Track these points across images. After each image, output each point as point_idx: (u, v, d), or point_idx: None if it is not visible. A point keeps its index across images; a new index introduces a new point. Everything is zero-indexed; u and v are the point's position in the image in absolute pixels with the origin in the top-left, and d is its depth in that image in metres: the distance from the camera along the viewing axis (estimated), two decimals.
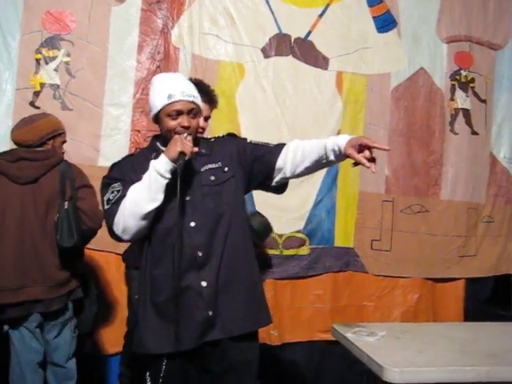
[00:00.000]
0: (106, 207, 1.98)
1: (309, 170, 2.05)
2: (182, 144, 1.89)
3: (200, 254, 1.95)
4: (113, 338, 3.39)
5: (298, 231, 3.65)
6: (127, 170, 2.01)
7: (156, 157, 1.94)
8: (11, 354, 2.71)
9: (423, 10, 3.88)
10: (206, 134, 2.70)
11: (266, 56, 3.66)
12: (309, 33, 3.72)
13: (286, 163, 2.01)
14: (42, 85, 3.37)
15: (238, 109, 3.62)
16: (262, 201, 3.40)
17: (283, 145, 2.06)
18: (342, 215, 3.72)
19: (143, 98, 3.47)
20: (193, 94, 2.00)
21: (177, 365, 1.93)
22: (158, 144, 2.08)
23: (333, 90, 3.75)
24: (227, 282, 1.97)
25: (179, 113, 1.96)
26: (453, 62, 3.93)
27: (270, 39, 3.66)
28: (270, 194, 2.22)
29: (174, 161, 1.88)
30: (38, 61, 3.38)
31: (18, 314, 2.63)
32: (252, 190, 2.30)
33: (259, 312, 2.05)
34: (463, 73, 3.94)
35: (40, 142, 2.71)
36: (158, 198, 1.91)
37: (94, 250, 3.26)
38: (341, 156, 1.93)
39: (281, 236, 3.61)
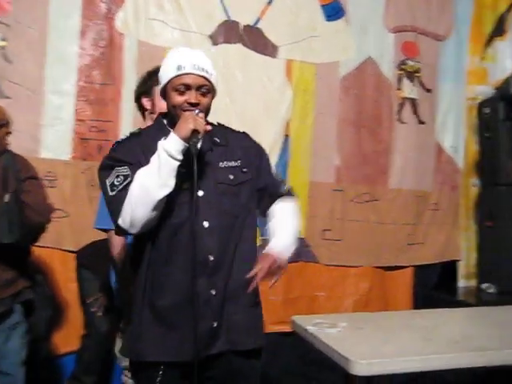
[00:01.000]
0: (111, 194, 1.74)
1: None
2: (195, 121, 1.69)
3: (212, 258, 1.77)
4: (63, 339, 3.24)
5: None
6: (135, 152, 1.78)
7: (165, 136, 1.72)
8: None
9: None
10: None
11: (215, 43, 3.57)
12: (258, 20, 3.65)
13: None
14: None
15: None
16: None
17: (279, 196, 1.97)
18: None
19: (87, 87, 3.33)
20: (206, 69, 1.77)
21: (176, 374, 1.77)
22: (166, 123, 1.87)
23: (282, 78, 3.71)
24: (235, 292, 1.81)
25: (187, 87, 1.75)
26: (399, 52, 3.96)
27: (218, 26, 3.57)
28: None
29: (185, 140, 1.67)
30: None
31: None
32: None
33: (260, 329, 1.92)
34: (410, 62, 3.98)
35: None
36: (169, 184, 1.68)
37: (36, 246, 3.08)
38: None
39: None
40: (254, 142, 2.01)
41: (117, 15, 3.38)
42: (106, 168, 1.80)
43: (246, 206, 1.87)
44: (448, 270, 4.09)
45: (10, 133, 2.65)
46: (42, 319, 2.73)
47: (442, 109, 4.07)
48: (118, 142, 1.89)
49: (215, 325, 1.78)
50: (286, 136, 3.69)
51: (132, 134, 1.93)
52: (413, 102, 3.97)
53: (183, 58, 1.77)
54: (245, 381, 1.85)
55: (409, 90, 3.96)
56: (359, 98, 3.86)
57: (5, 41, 3.19)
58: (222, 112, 3.56)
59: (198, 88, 1.77)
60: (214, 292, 1.78)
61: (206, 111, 1.81)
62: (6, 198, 2.44)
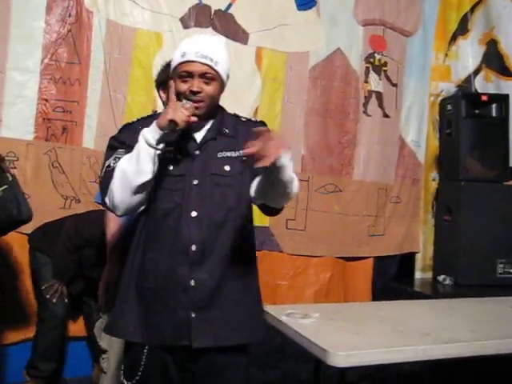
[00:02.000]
0: (101, 174, 1.77)
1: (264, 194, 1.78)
2: (174, 111, 1.69)
3: (193, 248, 1.75)
4: (15, 326, 3.13)
5: None
6: (136, 136, 1.74)
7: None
8: None
9: None
10: None
11: (185, 26, 3.50)
12: (229, 5, 3.60)
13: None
14: None
15: None
16: None
17: None
18: None
19: (52, 64, 3.23)
20: (210, 57, 1.74)
21: (157, 357, 1.77)
22: None
23: (252, 65, 3.68)
24: (221, 287, 1.77)
25: (190, 75, 1.74)
26: (368, 45, 4.00)
27: (189, 9, 3.51)
28: None
29: (163, 129, 1.68)
30: None
31: None
32: None
33: (252, 325, 1.87)
34: (377, 56, 4.02)
35: None
36: (147, 171, 1.68)
37: None
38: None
39: None
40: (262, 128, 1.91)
41: None
42: (109, 148, 1.82)
43: (240, 198, 1.82)
44: (406, 261, 4.18)
45: None
46: None
47: (406, 103, 4.14)
48: (125, 125, 1.90)
49: (193, 315, 1.76)
50: None
51: (142, 118, 1.91)
52: (379, 95, 4.02)
53: (189, 45, 1.77)
54: (228, 380, 1.82)
55: (375, 83, 4.01)
56: (327, 88, 3.87)
57: None
58: None
59: (202, 75, 1.74)
60: (192, 283, 1.75)
61: (212, 99, 1.79)
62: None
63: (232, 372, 1.83)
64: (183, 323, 1.75)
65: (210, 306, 1.78)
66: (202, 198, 1.78)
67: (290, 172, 1.67)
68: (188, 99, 1.74)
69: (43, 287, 3.03)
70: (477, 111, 3.98)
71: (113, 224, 2.55)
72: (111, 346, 2.77)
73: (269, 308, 2.47)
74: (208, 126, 1.83)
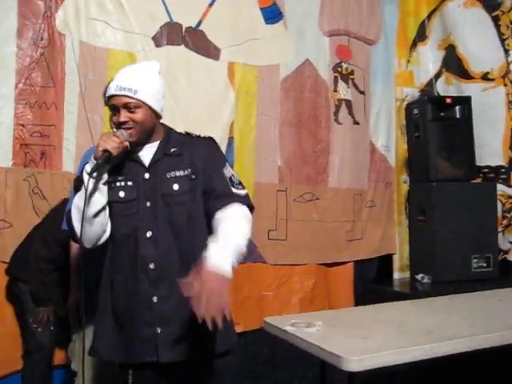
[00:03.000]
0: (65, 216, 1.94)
1: None
2: (105, 141, 1.81)
3: (152, 266, 1.87)
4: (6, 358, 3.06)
5: None
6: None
7: None
8: None
9: (306, 4, 3.98)
10: None
11: (158, 45, 3.50)
12: (199, 22, 3.63)
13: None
14: None
15: None
16: None
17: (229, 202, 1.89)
18: None
19: (26, 89, 3.16)
20: (128, 87, 1.86)
21: (147, 374, 1.87)
22: None
23: (225, 80, 3.71)
24: (180, 302, 1.75)
25: (116, 107, 1.88)
26: (334, 55, 4.09)
27: (160, 27, 3.51)
28: None
29: (97, 159, 1.80)
30: None
31: None
32: None
33: (218, 336, 1.88)
34: (344, 65, 4.12)
35: None
36: (95, 200, 1.82)
37: None
38: None
39: None
40: (212, 147, 2.05)
41: (57, 14, 3.23)
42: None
43: (192, 214, 1.92)
44: (384, 263, 4.29)
45: None
46: None
47: (374, 110, 4.26)
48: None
49: (159, 331, 1.86)
50: (231, 138, 3.71)
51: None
52: (348, 103, 4.12)
53: (113, 81, 1.90)
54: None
55: (344, 91, 4.11)
56: (298, 99, 3.94)
57: None
58: (168, 114, 3.50)
59: (125, 106, 1.86)
60: (155, 299, 1.86)
61: (142, 125, 1.89)
62: None
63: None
64: (150, 339, 1.86)
65: (173, 320, 1.87)
66: (154, 218, 1.88)
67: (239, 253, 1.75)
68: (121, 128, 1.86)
69: (27, 318, 2.96)
70: (442, 114, 4.15)
71: (75, 248, 2.56)
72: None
73: (270, 320, 2.51)
74: (154, 149, 1.94)
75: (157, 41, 3.50)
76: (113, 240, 1.92)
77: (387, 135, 4.30)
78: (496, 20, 4.17)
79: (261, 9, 3.83)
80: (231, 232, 1.78)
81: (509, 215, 4.16)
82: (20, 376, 3.05)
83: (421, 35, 4.47)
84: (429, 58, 4.46)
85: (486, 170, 4.24)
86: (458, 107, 4.13)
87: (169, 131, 2.02)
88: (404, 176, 4.38)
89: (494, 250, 4.08)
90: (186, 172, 1.91)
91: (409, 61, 4.43)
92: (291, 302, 3.87)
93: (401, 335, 2.22)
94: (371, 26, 4.26)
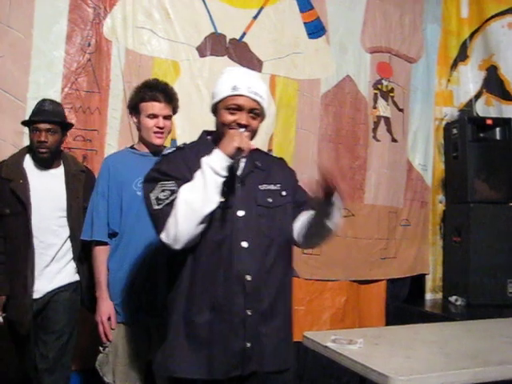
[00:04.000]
0: (156, 207, 1.72)
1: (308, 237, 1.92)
2: (240, 139, 1.71)
3: (249, 278, 1.76)
4: None
5: None
6: (181, 167, 1.77)
7: (208, 153, 1.73)
8: None
9: (349, 20, 4.01)
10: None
11: (202, 55, 3.53)
12: (243, 34, 3.65)
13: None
14: None
15: None
16: None
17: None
18: None
19: (72, 93, 3.20)
20: (260, 94, 1.80)
21: None
22: (209, 139, 1.89)
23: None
24: (271, 314, 1.80)
25: (239, 108, 1.77)
26: (375, 72, 4.09)
27: (205, 38, 3.54)
28: None
29: (230, 157, 1.69)
30: None
31: None
32: None
33: (290, 350, 1.92)
34: (384, 82, 4.11)
35: None
36: (214, 200, 1.69)
37: None
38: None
39: None
40: (290, 168, 2.07)
41: (104, 21, 3.28)
42: (150, 181, 1.79)
43: (282, 229, 1.87)
44: (416, 283, 4.24)
45: None
46: None
47: (412, 128, 4.23)
48: (164, 155, 1.89)
49: (248, 345, 1.76)
50: (269, 150, 3.70)
51: (178, 148, 1.90)
52: (387, 120, 4.11)
53: (240, 79, 1.81)
54: None
55: (383, 108, 4.10)
56: (338, 115, 3.94)
57: None
58: (208, 125, 3.52)
59: (250, 110, 1.79)
60: (249, 312, 1.76)
61: (253, 134, 1.84)
62: None
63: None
64: (237, 354, 1.75)
65: (262, 334, 1.79)
66: (249, 228, 1.80)
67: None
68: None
69: None
70: (482, 135, 4.11)
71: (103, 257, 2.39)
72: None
73: (309, 334, 2.48)
74: (244, 160, 1.85)
75: (201, 51, 3.53)
76: (202, 247, 1.77)
77: (425, 154, 4.27)
78: None
79: (304, 23, 3.84)
80: None
81: None
82: None
83: (462, 55, 4.45)
84: (469, 78, 4.43)
85: None
86: (498, 129, 4.10)
87: None
88: (440, 196, 4.34)
89: None
90: (276, 187, 1.88)
91: (449, 80, 4.41)
92: (322, 317, 3.83)
93: (445, 357, 2.18)
94: (413, 44, 4.25)
